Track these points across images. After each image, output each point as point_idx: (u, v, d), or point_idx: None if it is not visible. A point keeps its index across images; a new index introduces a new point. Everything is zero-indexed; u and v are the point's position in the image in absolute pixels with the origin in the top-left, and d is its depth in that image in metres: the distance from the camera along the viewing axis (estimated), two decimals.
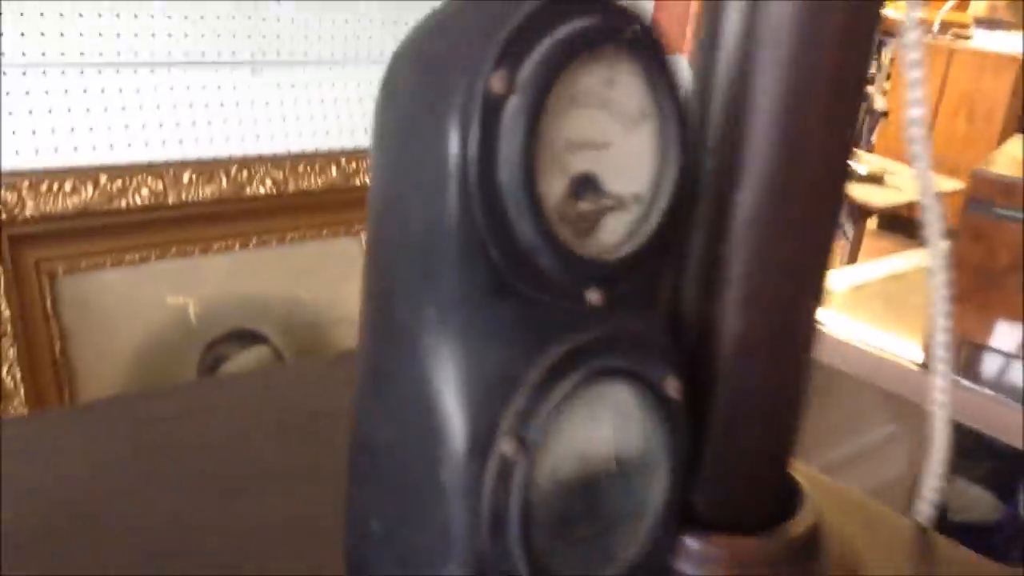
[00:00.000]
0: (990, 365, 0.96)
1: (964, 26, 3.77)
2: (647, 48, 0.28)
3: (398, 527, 0.29)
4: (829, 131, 0.32)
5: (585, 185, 0.27)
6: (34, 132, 1.15)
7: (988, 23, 3.67)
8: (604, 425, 0.29)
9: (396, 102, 0.26)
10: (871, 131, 3.26)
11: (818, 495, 0.39)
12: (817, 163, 0.32)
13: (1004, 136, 3.52)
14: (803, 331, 0.36)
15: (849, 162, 0.33)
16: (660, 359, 0.30)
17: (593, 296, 0.28)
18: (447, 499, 0.27)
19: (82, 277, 1.22)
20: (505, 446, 0.27)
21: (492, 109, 0.25)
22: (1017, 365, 0.94)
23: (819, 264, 0.35)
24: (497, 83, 0.25)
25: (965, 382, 0.94)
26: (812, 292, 0.35)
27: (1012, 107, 3.52)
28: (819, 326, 0.36)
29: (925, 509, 0.43)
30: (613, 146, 0.28)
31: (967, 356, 0.96)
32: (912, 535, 0.43)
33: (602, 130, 0.28)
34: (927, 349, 0.92)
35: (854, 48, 0.31)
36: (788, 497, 0.39)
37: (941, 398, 0.40)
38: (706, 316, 0.34)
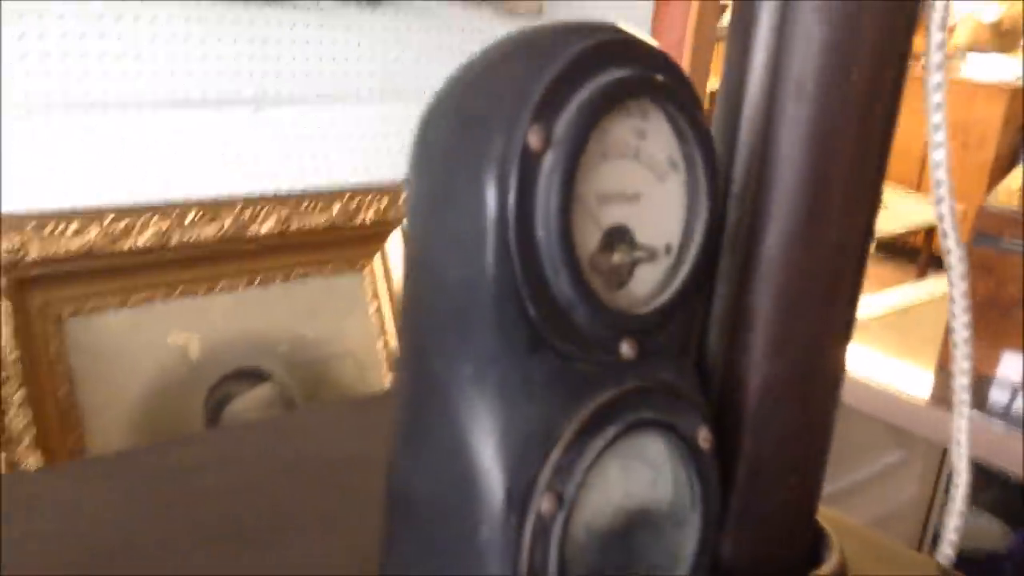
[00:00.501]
0: (998, 396, 0.96)
1: (950, 56, 3.81)
2: (676, 97, 0.28)
3: (434, 563, 0.28)
4: (854, 182, 0.32)
5: (618, 237, 0.28)
6: (38, 173, 1.15)
7: (975, 49, 3.71)
8: (638, 476, 0.29)
9: (432, 158, 0.26)
10: None
11: (843, 539, 0.38)
12: (841, 214, 0.32)
13: (997, 163, 3.55)
14: (830, 376, 0.36)
15: (875, 211, 0.33)
16: (692, 410, 0.30)
17: (626, 349, 0.28)
18: (485, 555, 0.27)
19: (88, 319, 1.22)
20: (544, 503, 0.27)
21: (529, 165, 0.25)
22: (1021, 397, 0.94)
23: (845, 310, 0.35)
24: (534, 139, 0.25)
25: (973, 412, 0.94)
26: (838, 337, 0.35)
27: (1004, 135, 3.55)
28: (844, 371, 0.36)
29: (946, 551, 0.42)
30: (644, 197, 0.28)
31: (975, 387, 0.96)
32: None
33: (633, 181, 0.28)
34: (938, 382, 0.92)
35: (879, 100, 0.31)
36: (815, 542, 0.38)
37: (961, 438, 0.40)
38: (732, 364, 0.34)
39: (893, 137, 0.32)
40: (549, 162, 0.25)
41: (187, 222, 1.27)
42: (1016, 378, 0.93)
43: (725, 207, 0.33)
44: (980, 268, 0.82)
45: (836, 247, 0.33)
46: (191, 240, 1.27)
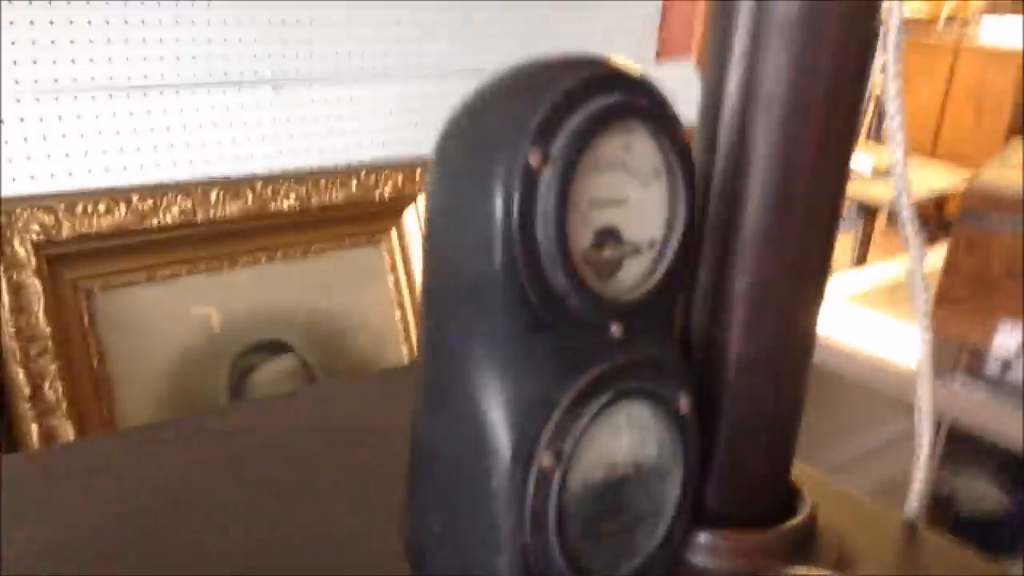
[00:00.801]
0: (991, 367, 1.00)
1: (966, 22, 3.80)
2: (657, 117, 0.33)
3: (454, 525, 0.34)
4: (817, 181, 0.38)
5: (607, 236, 0.33)
6: (67, 155, 1.21)
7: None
8: (626, 437, 0.35)
9: (448, 173, 0.32)
10: (880, 122, 3.30)
11: (818, 496, 0.44)
12: (806, 209, 0.38)
13: (1012, 129, 3.55)
14: (800, 350, 0.41)
15: (838, 211, 0.38)
16: (673, 380, 0.36)
17: (615, 329, 0.33)
18: (495, 503, 0.32)
19: (117, 294, 1.28)
20: (544, 458, 0.32)
21: (530, 179, 0.30)
22: (1018, 366, 0.99)
23: (813, 291, 0.40)
24: (534, 158, 0.30)
25: (967, 383, 0.98)
26: (807, 315, 0.40)
27: (1017, 100, 3.55)
28: (814, 345, 0.41)
29: (913, 503, 0.48)
30: (630, 201, 0.33)
31: (969, 359, 1.01)
32: (903, 531, 0.48)
33: (621, 188, 0.33)
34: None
35: (838, 112, 0.36)
36: (790, 498, 0.44)
37: (925, 401, 0.45)
38: (713, 339, 0.40)
39: (856, 130, 0.37)
40: (547, 177, 0.30)
41: (211, 200, 1.32)
42: (1008, 350, 0.98)
43: (705, 204, 0.38)
44: (967, 244, 0.86)
45: (802, 236, 0.38)
46: (215, 217, 1.32)
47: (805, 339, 0.41)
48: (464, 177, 0.31)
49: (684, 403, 0.36)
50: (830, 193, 0.38)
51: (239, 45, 1.31)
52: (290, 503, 0.48)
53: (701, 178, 0.38)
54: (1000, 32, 3.72)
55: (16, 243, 1.13)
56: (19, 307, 1.20)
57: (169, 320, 1.32)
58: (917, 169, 2.49)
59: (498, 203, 0.30)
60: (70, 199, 1.22)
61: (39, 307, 1.19)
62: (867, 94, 0.39)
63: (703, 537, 0.40)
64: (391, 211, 1.49)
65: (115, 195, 1.24)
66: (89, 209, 1.23)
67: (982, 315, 0.89)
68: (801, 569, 0.38)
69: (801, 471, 0.45)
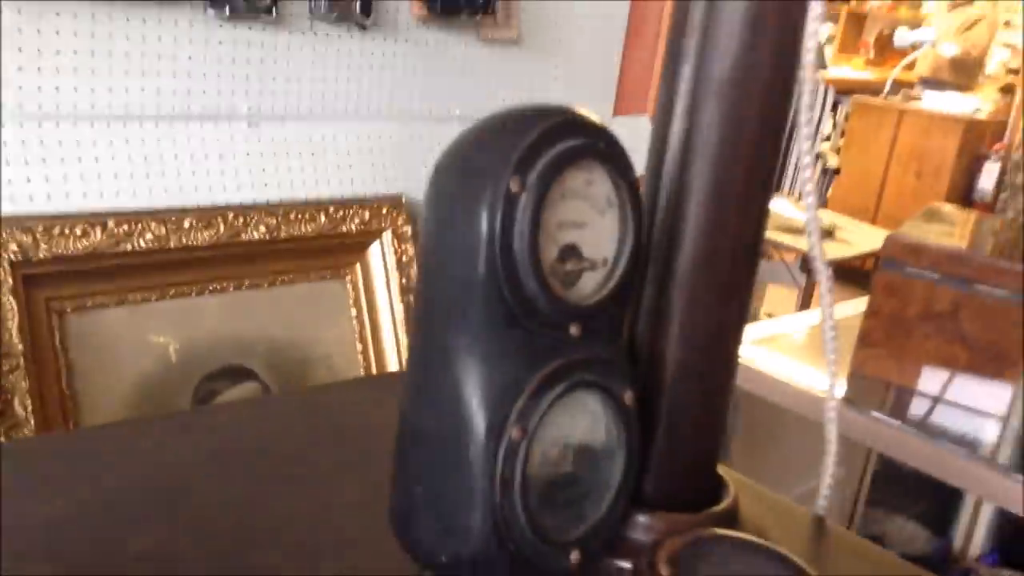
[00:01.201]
0: (916, 407, 1.10)
1: (911, 86, 4.01)
2: (612, 158, 0.41)
3: (435, 490, 0.41)
4: (744, 214, 0.46)
5: (570, 252, 0.41)
6: (47, 179, 1.26)
7: (934, 83, 3.91)
8: (579, 421, 0.42)
9: (442, 195, 0.40)
10: (826, 188, 3.46)
11: (740, 492, 0.52)
12: (734, 237, 0.46)
13: (951, 191, 3.74)
14: (727, 361, 0.49)
15: (760, 239, 0.47)
16: (620, 377, 0.43)
17: (574, 330, 0.41)
18: (472, 469, 0.40)
19: (88, 315, 1.32)
20: (513, 432, 0.40)
21: (510, 203, 0.38)
22: (940, 407, 1.08)
23: (739, 309, 0.48)
24: (514, 185, 0.38)
25: (893, 422, 1.07)
26: (733, 329, 0.49)
27: (958, 164, 3.75)
28: (738, 356, 0.49)
29: (820, 503, 0.56)
30: (589, 225, 0.41)
31: (894, 398, 1.10)
32: (810, 522, 0.56)
33: (582, 214, 0.41)
34: (851, 385, 1.06)
35: (762, 156, 0.45)
36: (717, 488, 0.52)
37: (831, 412, 0.53)
38: (654, 347, 0.48)
39: (774, 176, 0.46)
40: (523, 201, 0.38)
41: (184, 227, 1.38)
42: (930, 390, 1.07)
43: (651, 231, 0.46)
44: (885, 290, 0.96)
45: (731, 259, 0.47)
46: (187, 244, 1.38)
47: (732, 350, 0.49)
48: (456, 200, 0.39)
49: (628, 397, 0.44)
50: (755, 223, 0.46)
51: (218, 81, 1.38)
52: (291, 484, 0.54)
53: (648, 209, 0.46)
54: (942, 101, 3.93)
55: None
56: None
57: (136, 343, 1.37)
58: (858, 232, 2.63)
59: (483, 221, 0.38)
60: (48, 221, 1.27)
61: (13, 325, 1.23)
62: (789, 145, 0.47)
63: (642, 518, 0.48)
64: (357, 246, 1.56)
65: (92, 219, 1.29)
66: (67, 231, 1.28)
67: (899, 356, 0.99)
68: (727, 532, 0.46)
69: (726, 473, 0.52)
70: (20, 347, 1.23)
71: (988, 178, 3.71)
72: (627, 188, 0.42)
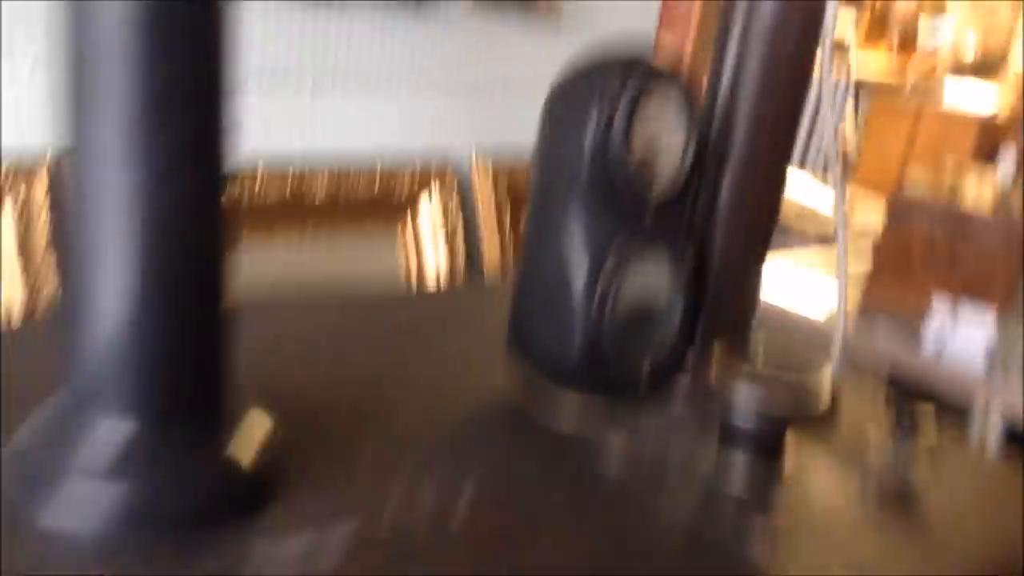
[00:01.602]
0: (928, 346, 1.26)
1: (931, 90, 4.16)
2: (680, 91, 0.59)
3: (548, 317, 0.59)
4: (777, 130, 0.63)
5: (651, 156, 0.58)
6: None
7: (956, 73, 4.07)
8: (652, 273, 0.60)
9: (554, 115, 0.57)
10: (843, 178, 3.62)
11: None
12: (769, 145, 0.64)
13: None
14: (761, 243, 0.66)
15: (789, 151, 0.64)
16: (684, 241, 0.61)
17: (650, 216, 0.59)
18: (576, 300, 0.57)
19: None
20: (605, 275, 0.57)
21: (612, 108, 0.55)
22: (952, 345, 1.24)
23: (772, 206, 0.66)
24: (609, 108, 0.55)
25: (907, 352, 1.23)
26: (766, 226, 0.66)
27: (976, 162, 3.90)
28: (768, 246, 0.67)
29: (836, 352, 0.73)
30: (664, 135, 0.59)
31: (908, 339, 1.27)
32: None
33: (659, 128, 0.59)
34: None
35: (793, 91, 0.62)
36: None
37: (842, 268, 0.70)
38: (707, 231, 0.65)
39: (804, 95, 0.63)
40: (618, 119, 0.56)
41: (256, 187, 1.55)
42: (938, 321, 1.24)
43: (707, 142, 0.64)
44: (894, 235, 1.13)
45: (770, 161, 0.64)
46: (258, 202, 1.56)
47: (765, 240, 0.66)
48: (565, 117, 0.57)
49: (688, 255, 0.61)
50: (785, 134, 0.64)
51: (287, 56, 1.55)
52: (408, 352, 0.71)
53: (705, 128, 0.63)
54: (960, 94, 4.09)
55: None
56: None
57: None
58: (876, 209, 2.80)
59: (590, 128, 0.55)
60: None
61: None
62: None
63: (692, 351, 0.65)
64: (407, 207, 1.74)
65: None
66: None
67: (904, 290, 1.16)
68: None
69: None
70: None
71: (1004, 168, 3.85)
72: (690, 112, 0.59)
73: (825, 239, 2.56)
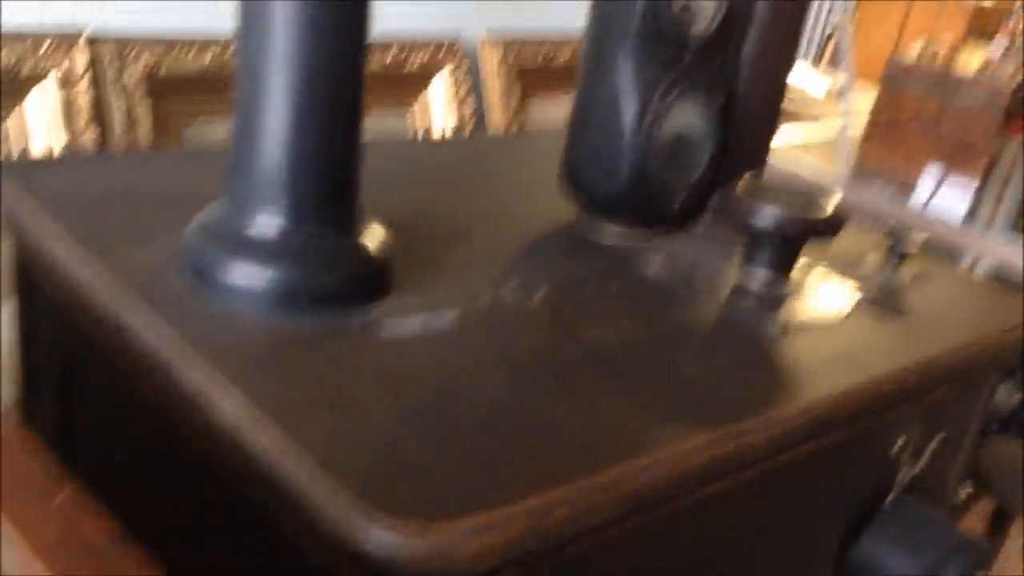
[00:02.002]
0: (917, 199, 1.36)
1: None
2: None
3: (599, 148, 0.68)
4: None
5: (687, 7, 0.67)
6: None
7: None
8: (689, 114, 0.69)
9: None
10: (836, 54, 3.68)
11: None
12: (788, 19, 0.72)
13: None
14: (776, 95, 0.76)
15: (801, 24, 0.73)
16: (721, 87, 0.70)
17: (689, 55, 0.68)
18: (625, 133, 0.67)
19: (198, 127, 1.56)
20: (650, 111, 0.67)
21: None
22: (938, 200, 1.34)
23: (788, 62, 0.75)
24: None
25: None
26: (783, 80, 0.75)
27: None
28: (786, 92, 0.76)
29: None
30: None
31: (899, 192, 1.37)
32: None
33: None
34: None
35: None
36: None
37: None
38: (735, 81, 0.74)
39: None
40: None
41: None
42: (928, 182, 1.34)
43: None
44: (888, 100, 1.23)
45: (788, 25, 0.73)
46: None
47: (779, 93, 0.76)
48: None
49: (719, 102, 0.71)
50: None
51: None
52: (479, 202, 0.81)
53: None
54: None
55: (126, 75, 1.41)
56: (130, 127, 1.49)
57: None
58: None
59: None
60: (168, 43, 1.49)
61: (142, 130, 1.48)
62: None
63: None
64: (419, 82, 1.80)
65: (204, 42, 1.52)
66: (185, 52, 1.50)
67: (895, 151, 1.26)
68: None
69: None
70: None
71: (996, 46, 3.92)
72: None
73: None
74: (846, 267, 0.73)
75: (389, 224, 0.60)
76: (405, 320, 0.53)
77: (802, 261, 0.69)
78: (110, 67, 1.42)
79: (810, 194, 0.66)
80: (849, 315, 0.67)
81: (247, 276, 0.52)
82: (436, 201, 0.74)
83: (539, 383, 0.50)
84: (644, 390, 0.52)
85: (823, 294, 0.69)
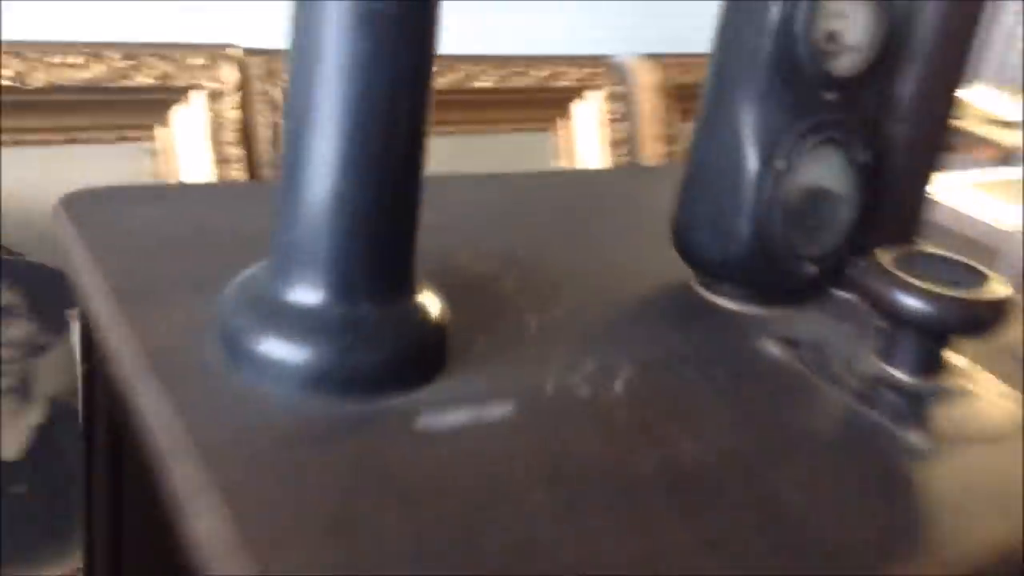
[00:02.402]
0: None
1: None
2: None
3: (714, 206, 0.57)
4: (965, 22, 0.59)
5: (834, 36, 0.55)
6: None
7: None
8: (826, 169, 0.57)
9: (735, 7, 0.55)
10: None
11: None
12: (960, 49, 0.59)
13: None
14: (938, 147, 0.62)
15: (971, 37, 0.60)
16: (860, 139, 0.58)
17: (831, 95, 0.56)
18: (744, 190, 0.56)
19: None
20: (778, 164, 0.55)
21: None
22: None
23: (952, 108, 0.61)
24: None
25: None
26: (947, 128, 0.62)
27: None
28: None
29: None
30: (851, 17, 0.56)
31: None
32: None
33: (845, 8, 0.55)
34: None
35: None
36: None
37: None
38: (889, 128, 0.61)
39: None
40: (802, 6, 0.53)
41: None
42: None
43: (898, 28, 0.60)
44: None
45: (952, 55, 0.60)
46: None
47: (943, 134, 0.62)
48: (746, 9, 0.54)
49: (864, 156, 0.58)
50: (969, 27, 0.59)
51: None
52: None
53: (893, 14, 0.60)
54: None
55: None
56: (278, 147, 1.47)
57: None
58: None
59: (774, 11, 0.53)
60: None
61: None
62: None
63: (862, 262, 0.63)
64: (568, 101, 1.72)
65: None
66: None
67: None
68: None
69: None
70: None
71: None
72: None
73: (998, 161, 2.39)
74: (1016, 360, 0.59)
75: (464, 280, 0.51)
76: (445, 412, 0.44)
77: (959, 350, 0.55)
78: (258, 82, 1.40)
79: (969, 277, 0.53)
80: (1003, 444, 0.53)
81: (273, 351, 0.44)
82: (532, 248, 0.65)
83: (593, 508, 0.40)
84: (729, 525, 0.41)
85: (985, 397, 0.55)
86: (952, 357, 0.56)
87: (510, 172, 0.85)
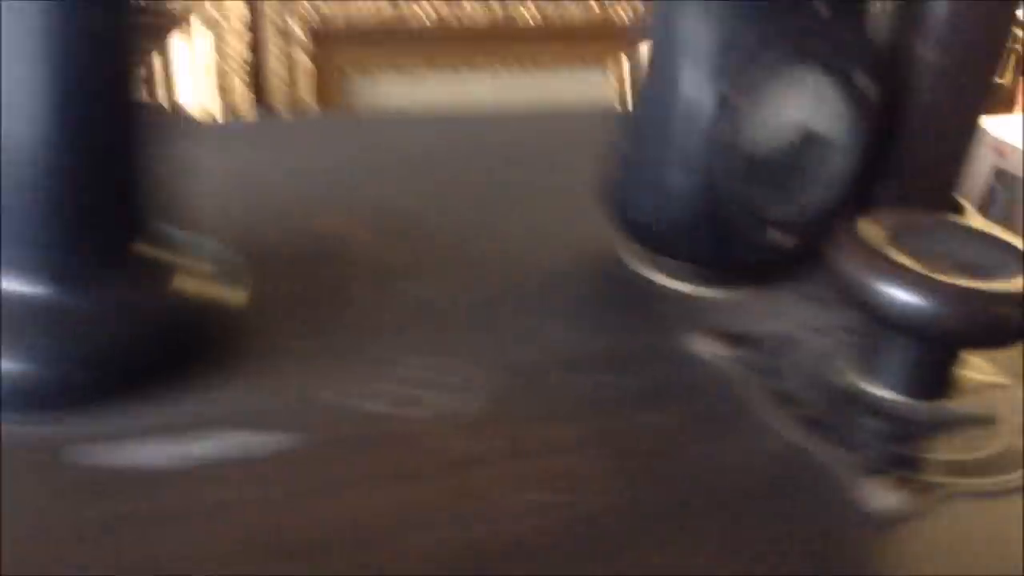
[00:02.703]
0: None
1: None
2: None
3: (652, 152, 0.42)
4: None
5: None
6: None
7: None
8: (808, 103, 0.41)
9: None
10: None
11: None
12: None
13: None
14: (983, 72, 0.45)
15: None
16: (859, 60, 0.41)
17: (822, 7, 0.39)
18: (691, 134, 0.40)
19: (370, 80, 1.42)
20: (738, 95, 0.39)
21: None
22: None
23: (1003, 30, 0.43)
24: None
25: None
26: (1000, 40, 0.44)
27: None
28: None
29: None
30: None
31: None
32: None
33: None
34: None
35: None
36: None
37: None
38: (911, 46, 0.44)
39: None
40: None
41: (464, 8, 1.42)
42: None
43: None
44: None
45: None
46: (465, 22, 1.43)
47: (995, 54, 0.44)
48: None
49: (866, 85, 0.41)
50: None
51: None
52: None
53: None
54: None
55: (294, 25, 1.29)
56: (291, 81, 1.37)
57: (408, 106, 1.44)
58: None
59: None
60: None
61: (303, 84, 1.35)
62: None
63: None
64: (622, 37, 1.54)
65: None
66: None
67: None
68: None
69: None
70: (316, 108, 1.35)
71: None
72: None
73: None
74: None
75: (326, 248, 0.38)
76: (144, 447, 0.30)
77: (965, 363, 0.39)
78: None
79: (1012, 250, 0.37)
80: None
81: None
82: (439, 206, 0.51)
83: None
84: None
85: (1009, 424, 0.38)
86: (964, 366, 0.39)
87: (471, 111, 0.70)
